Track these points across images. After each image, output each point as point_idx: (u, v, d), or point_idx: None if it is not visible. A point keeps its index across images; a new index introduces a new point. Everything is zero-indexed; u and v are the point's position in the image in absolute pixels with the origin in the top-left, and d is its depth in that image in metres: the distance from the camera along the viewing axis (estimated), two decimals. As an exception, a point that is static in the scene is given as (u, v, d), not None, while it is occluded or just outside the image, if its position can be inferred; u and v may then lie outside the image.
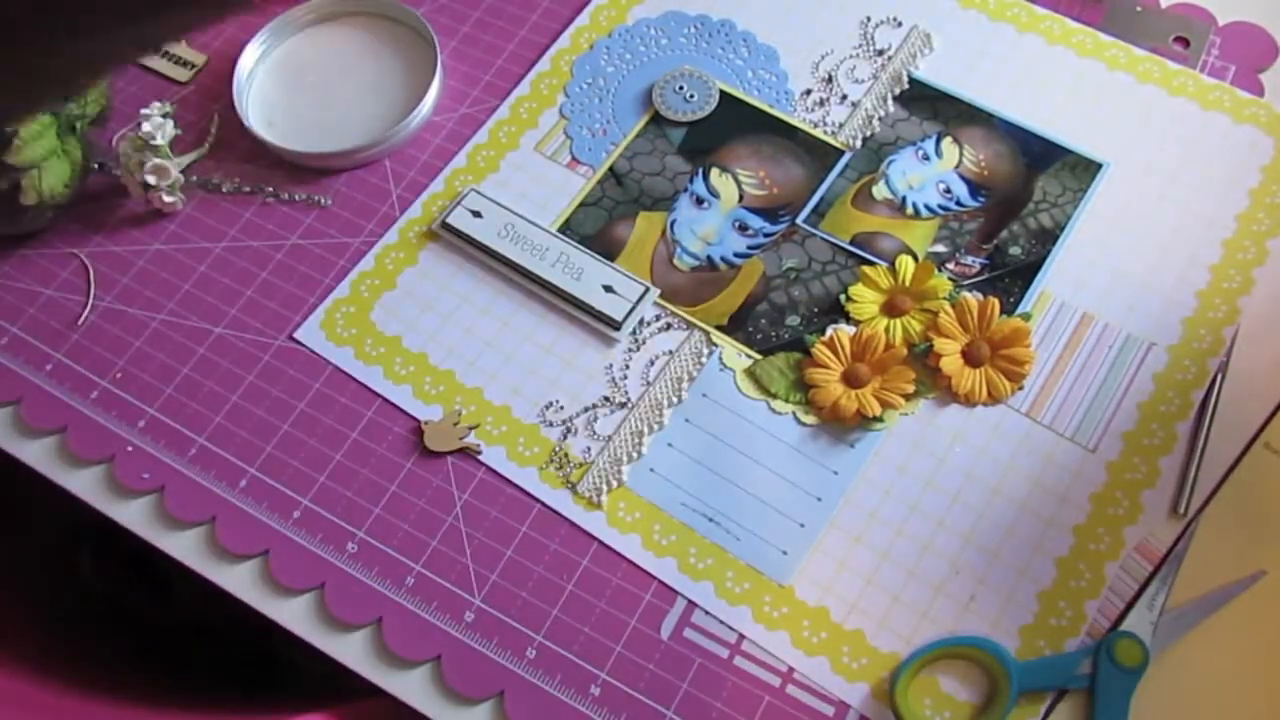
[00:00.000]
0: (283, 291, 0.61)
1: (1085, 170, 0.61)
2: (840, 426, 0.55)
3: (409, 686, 0.51)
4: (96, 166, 0.64)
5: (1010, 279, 0.58)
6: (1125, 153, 0.61)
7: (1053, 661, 0.48)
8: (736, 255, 0.60)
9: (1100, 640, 0.48)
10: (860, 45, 0.66)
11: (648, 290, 0.58)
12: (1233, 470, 0.52)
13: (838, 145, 0.63)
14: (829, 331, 0.57)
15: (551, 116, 0.65)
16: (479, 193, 0.62)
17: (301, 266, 0.61)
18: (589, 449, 0.55)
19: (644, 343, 0.58)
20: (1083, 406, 0.55)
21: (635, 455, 0.55)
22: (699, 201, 0.62)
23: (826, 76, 0.65)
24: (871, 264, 0.59)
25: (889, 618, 0.50)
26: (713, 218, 0.61)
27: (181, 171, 0.62)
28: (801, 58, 0.66)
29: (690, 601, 0.51)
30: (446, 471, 0.55)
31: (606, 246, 0.61)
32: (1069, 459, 0.54)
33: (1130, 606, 0.49)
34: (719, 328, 0.58)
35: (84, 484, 0.56)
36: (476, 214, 0.61)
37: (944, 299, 0.57)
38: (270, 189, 0.64)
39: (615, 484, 0.54)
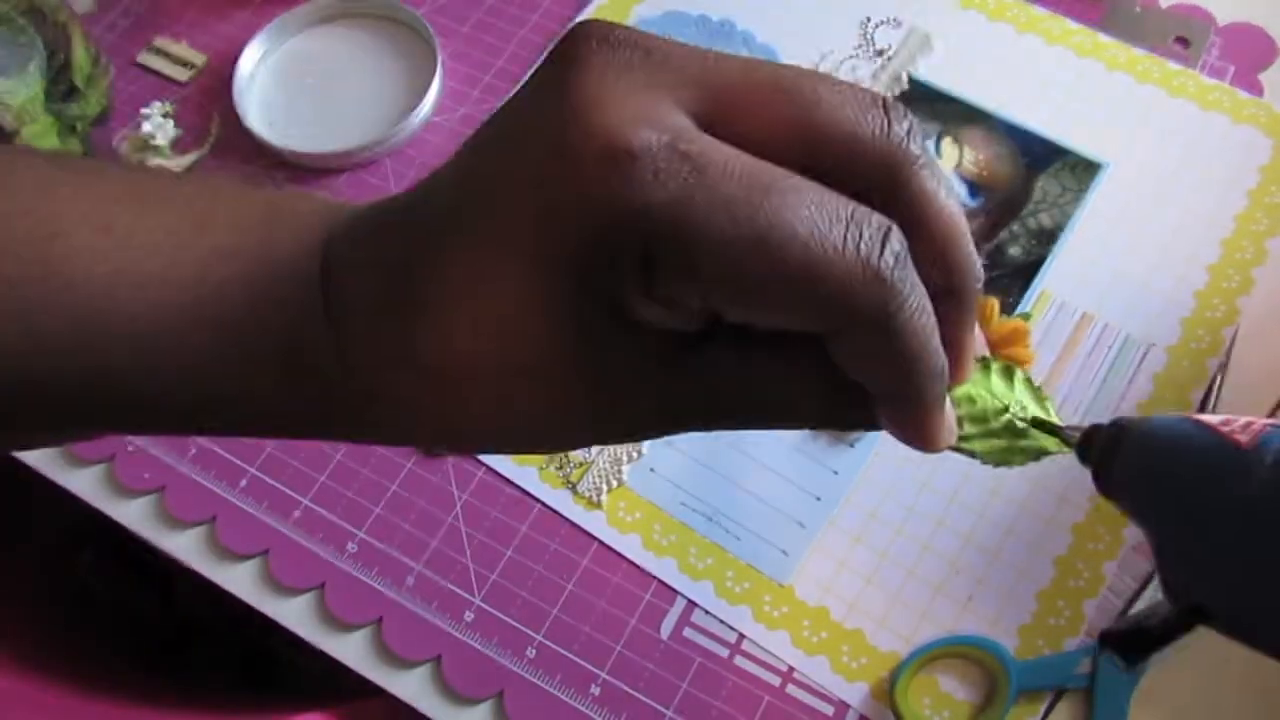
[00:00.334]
0: (283, 291, 0.60)
1: (1085, 170, 0.61)
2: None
3: (409, 686, 0.51)
4: (97, 166, 0.64)
5: (1010, 279, 0.58)
6: (1125, 153, 0.61)
7: (1052, 661, 0.48)
8: (736, 255, 0.60)
9: (1100, 640, 0.48)
10: (860, 45, 0.66)
11: (648, 290, 0.58)
12: (1232, 470, 0.52)
13: (837, 145, 0.63)
14: (829, 331, 0.57)
15: (551, 117, 0.65)
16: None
17: (301, 266, 0.61)
18: (589, 448, 0.55)
19: (644, 343, 0.58)
20: (1082, 406, 0.55)
21: (635, 455, 0.55)
22: (699, 201, 0.62)
23: (826, 77, 0.65)
24: (871, 264, 0.59)
25: (889, 617, 0.51)
26: (712, 218, 0.61)
27: (182, 171, 0.62)
28: (801, 58, 0.66)
29: (690, 601, 0.51)
30: (446, 471, 0.55)
31: (606, 246, 0.60)
32: (1068, 459, 0.53)
33: (1130, 606, 0.49)
34: (719, 328, 0.58)
35: (84, 484, 0.56)
36: (476, 214, 0.61)
37: (944, 299, 0.57)
38: (270, 189, 0.64)
39: (615, 484, 0.54)
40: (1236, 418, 0.28)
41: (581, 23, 0.23)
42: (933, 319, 0.23)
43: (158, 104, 0.62)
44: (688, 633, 0.51)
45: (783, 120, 0.23)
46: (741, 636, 0.51)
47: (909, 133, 0.23)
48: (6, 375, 0.27)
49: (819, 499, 0.53)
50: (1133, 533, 0.51)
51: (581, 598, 0.52)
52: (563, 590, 0.52)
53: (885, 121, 0.23)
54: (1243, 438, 0.26)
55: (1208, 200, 0.60)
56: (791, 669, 0.50)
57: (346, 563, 0.53)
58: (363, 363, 0.26)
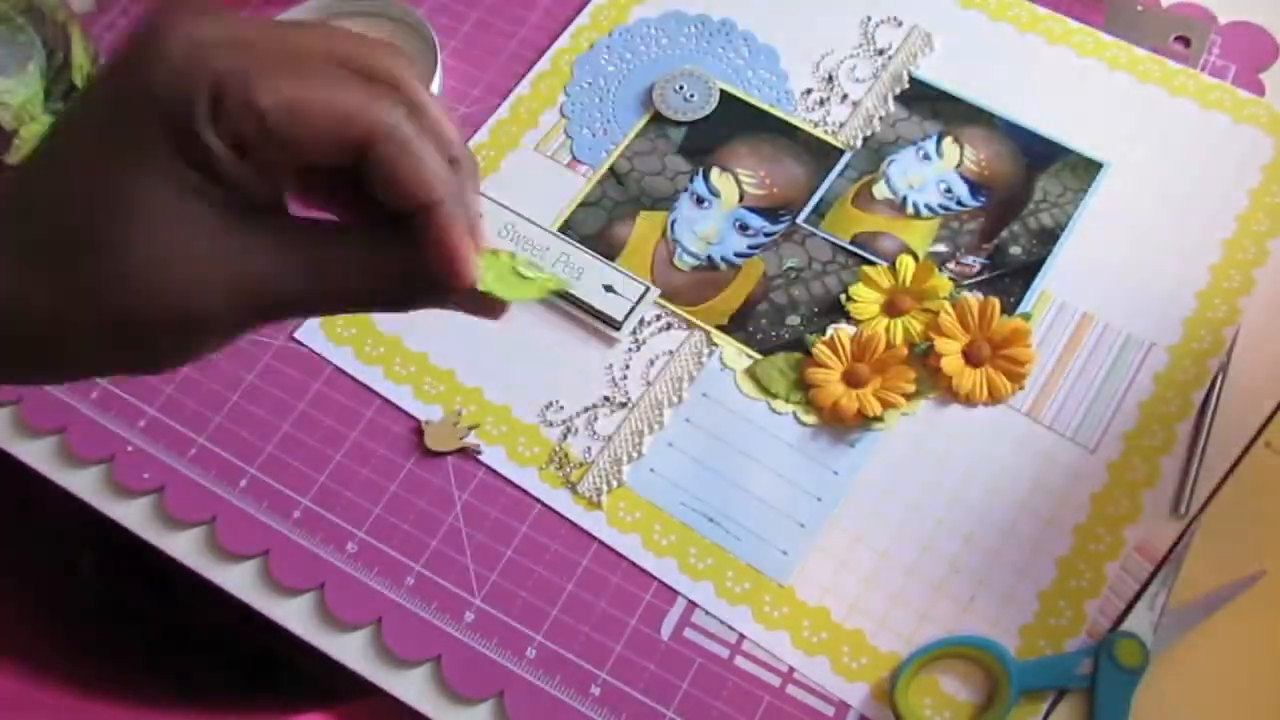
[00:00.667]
0: (283, 291, 0.60)
1: (1085, 170, 0.61)
2: (840, 426, 0.55)
3: (409, 686, 0.51)
4: (96, 166, 0.63)
5: (1010, 279, 0.58)
6: (1126, 152, 0.61)
7: (1053, 661, 0.48)
8: (737, 255, 0.60)
9: (1101, 640, 0.48)
10: (861, 45, 0.66)
11: (648, 290, 0.58)
12: (1233, 470, 0.52)
13: (838, 145, 0.63)
14: (829, 331, 0.57)
15: (551, 116, 0.65)
16: (479, 192, 0.62)
17: (301, 266, 0.61)
18: (589, 449, 0.55)
19: (644, 343, 0.58)
20: (1083, 406, 0.55)
21: (635, 455, 0.55)
22: (699, 201, 0.62)
23: (827, 76, 0.65)
24: (872, 264, 0.59)
25: (889, 618, 0.50)
26: (713, 217, 0.61)
27: None
28: (802, 57, 0.66)
29: (690, 601, 0.51)
30: (446, 471, 0.55)
31: (607, 246, 0.61)
32: (1069, 459, 0.54)
33: (1130, 606, 0.49)
34: (719, 327, 0.58)
35: (84, 484, 0.56)
36: (476, 214, 0.61)
37: (944, 299, 0.57)
38: (270, 189, 0.64)
39: (615, 484, 0.54)
40: None
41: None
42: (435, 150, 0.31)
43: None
44: (688, 633, 0.51)
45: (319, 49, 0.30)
46: (742, 637, 0.51)
47: (403, 68, 0.31)
48: None
49: (819, 499, 0.53)
50: (1133, 533, 0.51)
51: (581, 598, 0.52)
52: (563, 590, 0.52)
53: (390, 56, 0.31)
54: None
55: (1209, 200, 0.60)
56: (792, 669, 0.50)
57: (346, 563, 0.53)
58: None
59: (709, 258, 0.60)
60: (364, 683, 0.51)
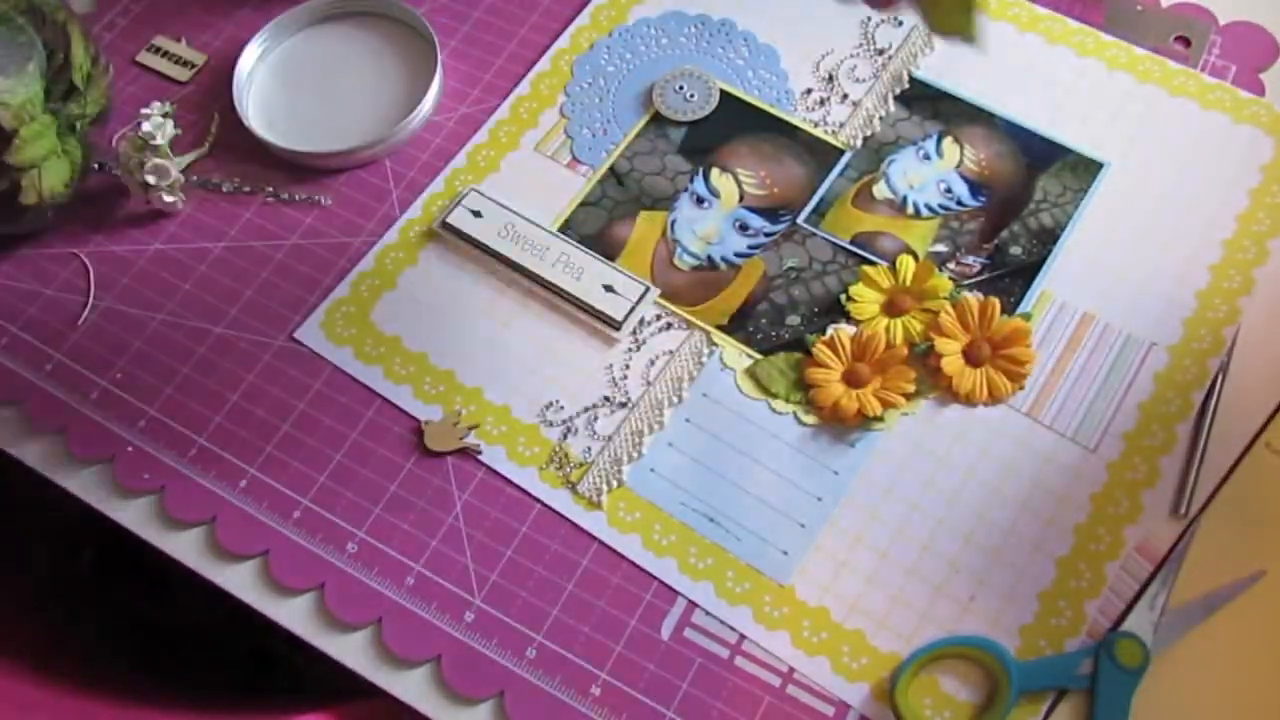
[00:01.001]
0: (283, 291, 0.60)
1: (1085, 170, 0.61)
2: (840, 426, 0.55)
3: (409, 686, 0.51)
4: (96, 166, 0.64)
5: (1011, 279, 0.58)
6: (1126, 152, 0.61)
7: (1053, 661, 0.48)
8: (737, 255, 0.60)
9: (1101, 640, 0.48)
10: (861, 45, 0.66)
11: (648, 290, 0.58)
12: (1233, 470, 0.52)
13: (838, 145, 0.63)
14: (829, 331, 0.57)
15: (551, 116, 0.65)
16: (479, 192, 0.62)
17: (301, 266, 0.61)
18: (589, 449, 0.55)
19: (644, 343, 0.58)
20: (1083, 406, 0.55)
21: (635, 455, 0.55)
22: (699, 201, 0.62)
23: (827, 76, 0.65)
24: (872, 264, 0.59)
25: (889, 618, 0.50)
26: (713, 217, 0.61)
27: (181, 171, 0.62)
28: (802, 57, 0.66)
29: (690, 601, 0.51)
30: (446, 471, 0.55)
31: (606, 246, 0.60)
32: (1069, 459, 0.54)
33: (1131, 606, 0.49)
34: (719, 327, 0.58)
35: (84, 484, 0.56)
36: (476, 214, 0.61)
37: (944, 299, 0.57)
38: (270, 189, 0.64)
39: (615, 484, 0.54)
40: None
41: None
42: None
43: (157, 104, 0.62)
44: (688, 633, 0.51)
45: None
46: (742, 637, 0.51)
47: None
48: None
49: (819, 499, 0.53)
50: (1134, 533, 0.51)
51: (581, 598, 0.52)
52: (563, 590, 0.52)
53: None
54: None
55: (1209, 200, 0.60)
56: (792, 670, 0.50)
57: (346, 563, 0.53)
58: None
59: (709, 258, 0.60)
60: (364, 683, 0.51)
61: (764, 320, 0.58)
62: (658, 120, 0.64)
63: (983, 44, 0.48)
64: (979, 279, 0.58)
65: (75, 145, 0.61)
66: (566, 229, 0.61)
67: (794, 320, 0.58)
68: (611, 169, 0.63)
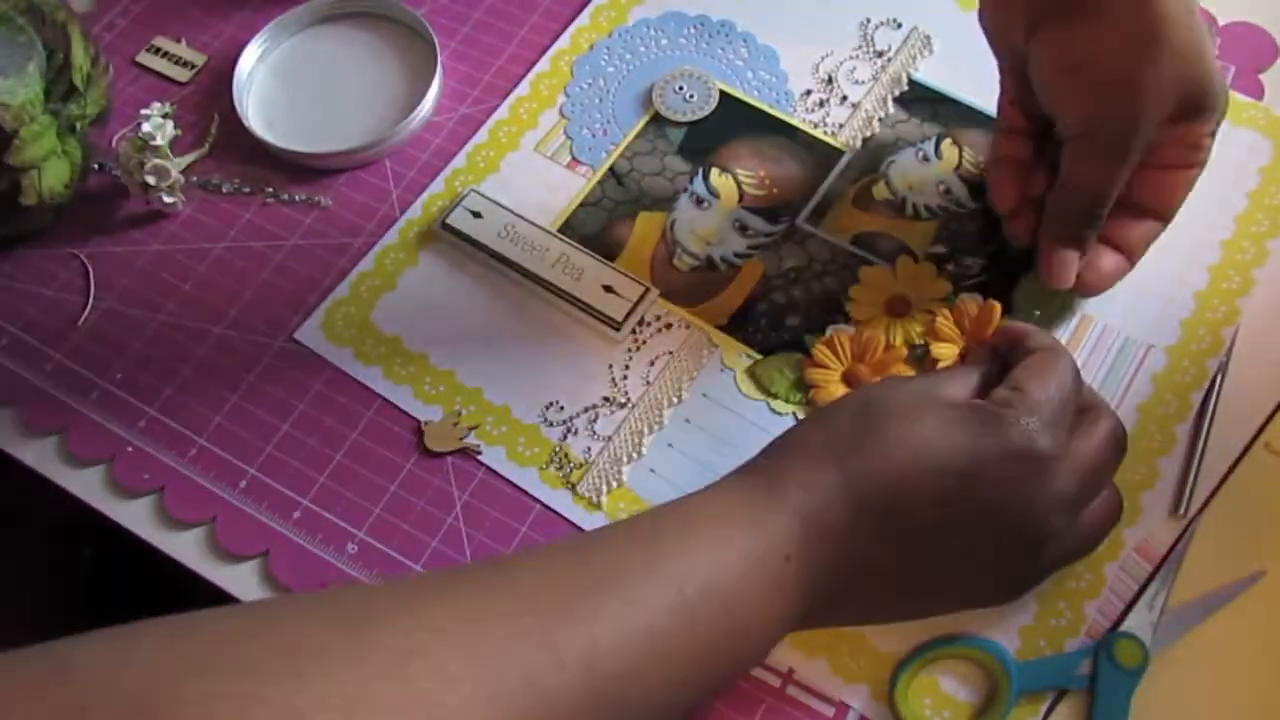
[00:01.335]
0: (283, 292, 0.61)
1: (1085, 171, 0.61)
2: (840, 427, 0.55)
3: (409, 687, 0.51)
4: (96, 166, 0.64)
5: (1010, 280, 0.58)
6: (1125, 154, 0.61)
7: (1053, 661, 0.48)
8: (736, 255, 0.60)
9: (1100, 640, 0.48)
10: (860, 46, 0.66)
11: (648, 290, 0.58)
12: (1233, 471, 0.52)
13: (838, 146, 0.63)
14: (829, 332, 0.57)
15: (551, 116, 0.65)
16: (479, 193, 0.62)
17: (301, 267, 0.61)
18: (589, 449, 0.55)
19: (644, 343, 0.58)
20: (1082, 407, 0.55)
21: (635, 455, 0.55)
22: (699, 201, 0.62)
23: (827, 77, 0.65)
24: (871, 264, 0.59)
25: (889, 618, 0.50)
26: (713, 218, 0.61)
27: (181, 172, 0.62)
28: (801, 58, 0.66)
29: (690, 602, 0.51)
30: (446, 471, 0.55)
31: (606, 246, 0.61)
32: (1069, 459, 0.53)
33: (1130, 607, 0.49)
34: (719, 328, 0.58)
35: (84, 484, 0.56)
36: (476, 214, 0.61)
37: (944, 300, 0.57)
38: (270, 189, 0.64)
39: (615, 484, 0.54)
40: None
41: None
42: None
43: (157, 104, 0.62)
44: (688, 633, 0.51)
45: None
46: (742, 637, 0.51)
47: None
48: None
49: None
50: (1132, 534, 0.51)
51: (582, 598, 0.52)
52: (563, 591, 0.52)
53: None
54: None
55: (1208, 201, 0.60)
56: (791, 670, 0.50)
57: (346, 563, 0.53)
58: None
59: (709, 258, 0.60)
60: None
61: (764, 320, 0.58)
62: (657, 121, 0.64)
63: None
64: (978, 280, 0.58)
65: (75, 145, 0.61)
66: (566, 229, 0.61)
67: (794, 320, 0.58)
68: (611, 169, 0.63)
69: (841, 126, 0.63)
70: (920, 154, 0.62)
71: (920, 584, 0.44)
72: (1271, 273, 0.58)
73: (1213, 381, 0.55)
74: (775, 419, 0.55)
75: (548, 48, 0.68)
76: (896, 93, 0.64)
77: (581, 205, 0.62)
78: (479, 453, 0.55)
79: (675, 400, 0.56)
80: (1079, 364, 0.56)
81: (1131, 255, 0.54)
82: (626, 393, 0.56)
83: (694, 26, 0.68)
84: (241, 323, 0.60)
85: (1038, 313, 0.57)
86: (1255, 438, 0.53)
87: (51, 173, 0.59)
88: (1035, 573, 0.47)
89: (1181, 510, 0.51)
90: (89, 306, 0.61)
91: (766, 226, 0.61)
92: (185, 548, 0.54)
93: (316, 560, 0.53)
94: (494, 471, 0.55)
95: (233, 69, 0.66)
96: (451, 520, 0.54)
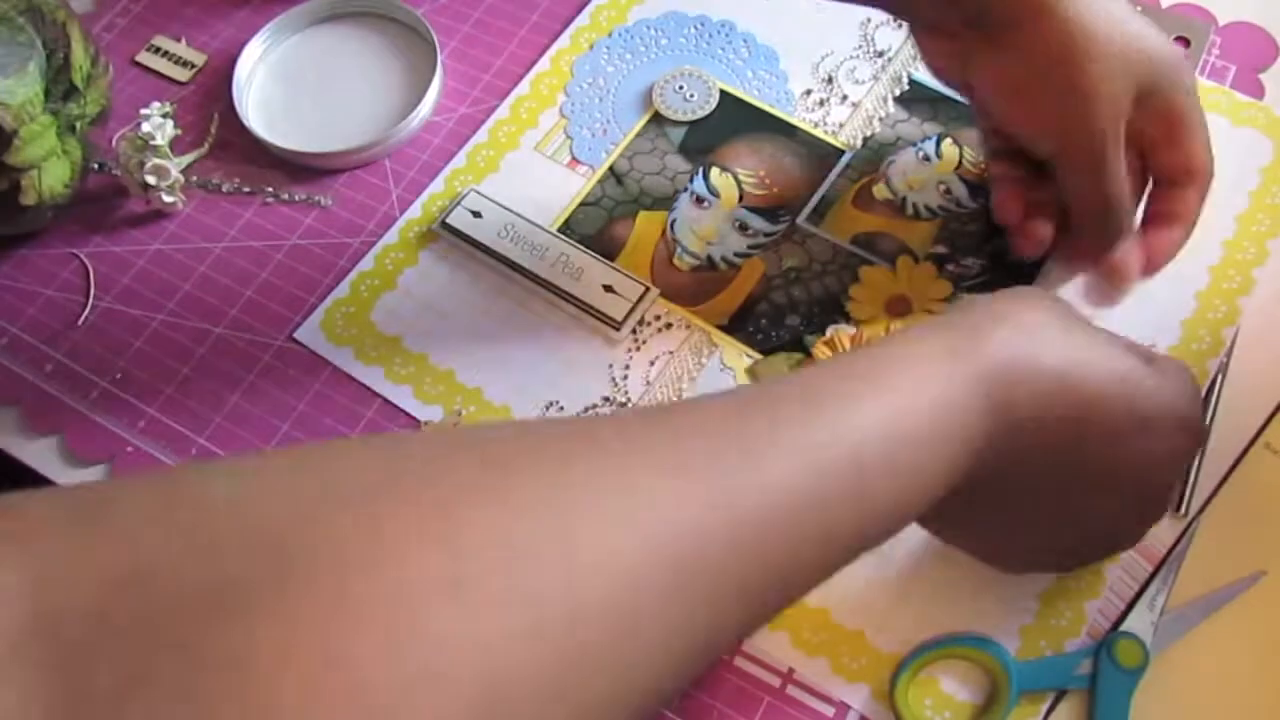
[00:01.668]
0: (283, 291, 0.61)
1: (1085, 171, 0.61)
2: (840, 427, 0.55)
3: (409, 687, 0.51)
4: (96, 166, 0.64)
5: (1010, 281, 0.58)
6: (1125, 153, 0.61)
7: (1053, 662, 0.48)
8: (736, 255, 0.60)
9: (1100, 640, 0.48)
10: (860, 46, 0.66)
11: (648, 290, 0.58)
12: (1233, 470, 0.52)
13: (838, 145, 0.63)
14: (829, 331, 0.57)
15: (551, 116, 0.65)
16: (479, 193, 0.62)
17: (301, 267, 0.61)
18: (589, 449, 0.55)
19: (644, 343, 0.58)
20: (1083, 407, 0.54)
21: (635, 455, 0.55)
22: (699, 201, 0.62)
23: (827, 77, 0.65)
24: (872, 264, 0.59)
25: (889, 618, 0.50)
26: (713, 217, 0.61)
27: (181, 171, 0.62)
28: (802, 58, 0.66)
29: (690, 602, 0.51)
30: (446, 471, 0.55)
31: (606, 246, 0.61)
32: (1069, 459, 0.53)
33: (1130, 607, 0.49)
34: (719, 328, 0.58)
35: (83, 481, 0.56)
36: (476, 214, 0.61)
37: (944, 300, 0.57)
38: (270, 189, 0.64)
39: (615, 484, 0.54)
40: None
41: None
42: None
43: (157, 104, 0.62)
44: (688, 633, 0.51)
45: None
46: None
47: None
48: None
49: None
50: (1133, 533, 0.51)
51: (582, 598, 0.52)
52: (563, 591, 0.52)
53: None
54: None
55: (1208, 201, 0.60)
56: (791, 670, 0.50)
57: (346, 563, 0.53)
58: None
59: (709, 258, 0.60)
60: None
61: (764, 320, 0.58)
62: (657, 120, 0.64)
63: None
64: (978, 280, 0.58)
65: (75, 145, 0.61)
66: (566, 229, 0.61)
67: (794, 320, 0.58)
68: (611, 169, 0.63)
69: (842, 126, 0.63)
70: (920, 154, 0.62)
71: (1050, 521, 0.43)
72: (1272, 272, 0.58)
73: (1213, 381, 0.55)
74: (775, 419, 0.55)
75: (548, 48, 0.68)
76: (897, 92, 0.64)
77: (581, 205, 0.62)
78: (479, 453, 0.55)
79: (675, 400, 0.56)
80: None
81: (1184, 221, 0.54)
82: (626, 393, 0.56)
83: (694, 26, 0.68)
84: (241, 323, 0.60)
85: None
86: (1256, 437, 0.53)
87: (51, 173, 0.59)
88: (1120, 541, 0.46)
89: (1182, 509, 0.51)
90: (89, 306, 0.61)
91: (766, 226, 0.61)
92: (185, 548, 0.54)
93: (316, 560, 0.53)
94: (494, 471, 0.55)
95: (233, 69, 0.66)
96: (451, 520, 0.54)
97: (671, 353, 0.57)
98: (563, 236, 0.60)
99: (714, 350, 0.57)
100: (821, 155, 0.63)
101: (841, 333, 0.57)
